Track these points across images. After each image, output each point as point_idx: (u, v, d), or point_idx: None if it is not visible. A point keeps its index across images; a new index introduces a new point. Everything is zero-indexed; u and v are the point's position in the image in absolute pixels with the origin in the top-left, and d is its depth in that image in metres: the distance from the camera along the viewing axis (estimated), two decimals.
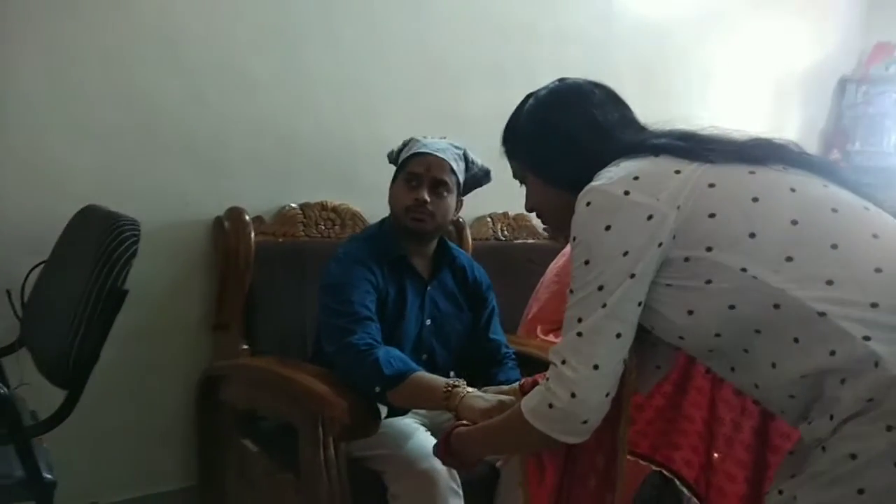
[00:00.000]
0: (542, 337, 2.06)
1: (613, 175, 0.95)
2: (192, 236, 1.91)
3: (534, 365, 1.83)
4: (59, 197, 1.65)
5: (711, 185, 0.92)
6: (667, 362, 1.20)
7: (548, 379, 0.97)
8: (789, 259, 0.87)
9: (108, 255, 1.22)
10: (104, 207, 1.43)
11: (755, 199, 0.91)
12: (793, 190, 0.92)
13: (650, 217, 0.91)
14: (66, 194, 1.63)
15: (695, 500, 1.25)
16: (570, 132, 1.05)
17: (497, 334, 1.79)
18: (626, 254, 0.91)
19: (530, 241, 2.56)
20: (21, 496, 1.19)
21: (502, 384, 1.64)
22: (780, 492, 0.91)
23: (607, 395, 0.94)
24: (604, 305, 0.92)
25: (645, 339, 1.08)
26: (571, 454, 1.17)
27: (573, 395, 0.92)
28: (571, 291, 0.97)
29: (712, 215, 0.91)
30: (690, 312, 0.92)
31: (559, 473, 1.17)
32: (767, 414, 1.13)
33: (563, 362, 0.94)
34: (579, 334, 0.94)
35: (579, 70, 2.60)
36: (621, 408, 1.12)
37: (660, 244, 0.91)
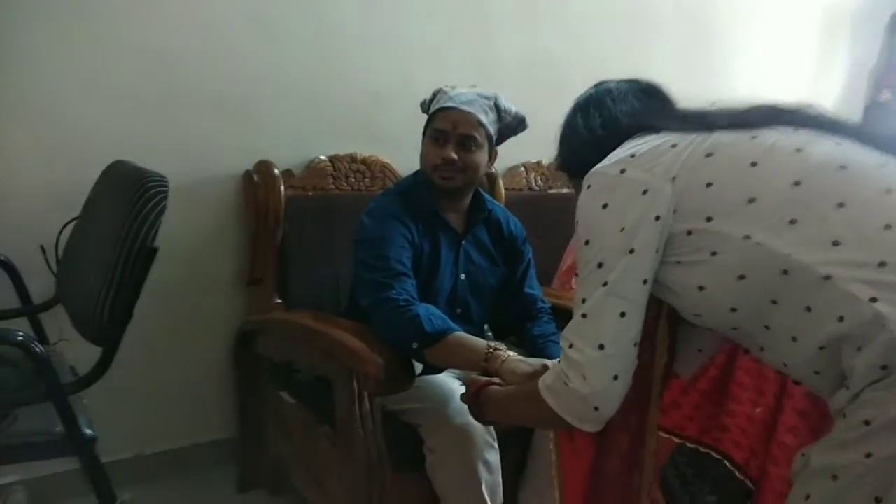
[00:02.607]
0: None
1: (613, 157, 0.96)
2: (223, 191, 1.89)
3: (570, 319, 1.80)
4: (88, 154, 1.64)
5: (709, 155, 0.90)
6: (709, 345, 1.16)
7: (559, 362, 0.95)
8: (793, 222, 0.83)
9: (136, 212, 1.20)
10: (131, 163, 1.41)
11: (754, 164, 0.87)
12: (798, 150, 0.87)
13: (645, 191, 0.89)
14: (94, 151, 1.61)
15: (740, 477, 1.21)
16: (588, 130, 1.07)
17: (532, 288, 1.76)
18: (622, 229, 0.90)
19: (565, 190, 2.49)
20: (64, 451, 1.21)
21: (537, 339, 1.63)
22: (802, 454, 0.89)
23: (616, 377, 0.91)
24: (604, 284, 0.90)
25: (685, 321, 1.06)
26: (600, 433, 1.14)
27: (584, 378, 0.90)
28: (577, 275, 0.96)
29: (709, 184, 0.88)
30: (701, 288, 0.89)
31: (592, 454, 1.16)
32: (811, 394, 1.08)
33: (571, 346, 0.93)
34: (583, 316, 0.92)
35: (620, 10, 2.49)
36: (650, 389, 1.09)
37: (657, 217, 0.89)
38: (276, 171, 1.86)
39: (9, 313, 1.57)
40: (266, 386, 1.86)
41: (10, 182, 1.65)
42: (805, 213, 0.82)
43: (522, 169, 2.41)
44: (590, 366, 0.90)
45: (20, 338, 1.13)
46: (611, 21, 2.51)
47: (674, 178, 0.89)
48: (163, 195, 1.23)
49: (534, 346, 1.63)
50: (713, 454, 1.25)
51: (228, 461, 1.97)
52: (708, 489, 1.28)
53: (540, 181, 2.45)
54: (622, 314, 0.90)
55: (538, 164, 2.45)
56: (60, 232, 1.55)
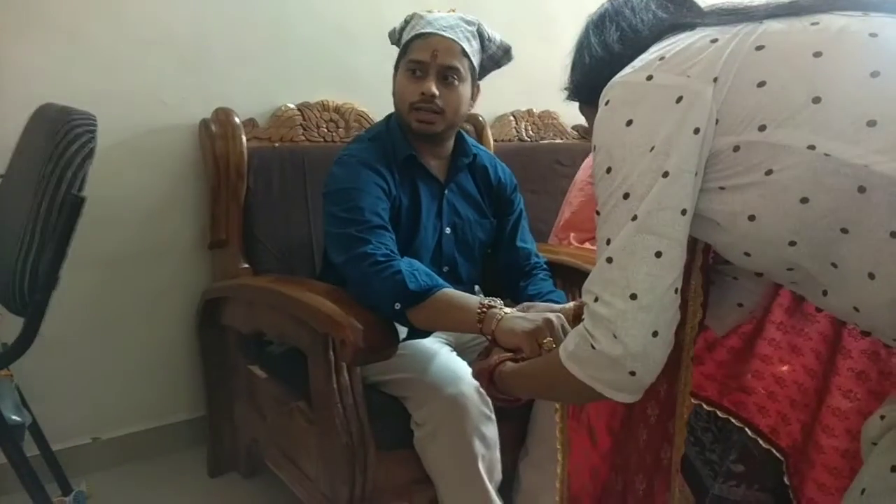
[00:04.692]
0: (577, 244, 1.85)
1: (638, 62, 0.78)
2: (176, 143, 1.70)
3: (568, 275, 1.64)
4: (15, 102, 1.43)
5: (760, 48, 0.71)
6: (750, 299, 0.99)
7: (582, 322, 0.77)
8: (871, 123, 0.64)
9: (57, 156, 1.01)
10: (59, 105, 1.20)
11: (818, 54, 0.68)
12: (873, 35, 0.68)
13: (679, 99, 0.71)
14: (22, 98, 1.39)
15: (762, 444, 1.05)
16: (604, 47, 0.88)
17: (525, 242, 1.58)
18: (652, 149, 0.72)
19: (557, 140, 2.31)
20: None
21: (533, 298, 1.46)
22: (882, 417, 0.74)
23: (655, 333, 0.73)
24: (633, 218, 0.72)
25: (723, 270, 0.90)
26: (621, 405, 0.98)
27: (615, 337, 0.72)
28: (598, 213, 0.77)
29: (762, 84, 0.69)
30: (752, 218, 0.71)
31: (611, 430, 1.01)
32: (873, 353, 0.92)
33: (596, 299, 0.74)
34: (609, 260, 0.74)
35: None
36: (682, 351, 0.93)
37: (696, 130, 0.71)
38: (237, 119, 1.66)
39: None
40: (235, 360, 1.70)
41: None
42: (888, 111, 0.64)
43: (512, 118, 2.23)
44: (621, 321, 0.72)
45: None
46: None
47: (715, 80, 0.71)
48: (90, 135, 1.04)
49: None
50: (733, 420, 1.09)
51: (197, 443, 1.80)
52: (733, 457, 1.13)
53: (531, 131, 2.26)
54: (658, 254, 0.72)
55: (528, 112, 2.27)
56: None
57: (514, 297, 1.54)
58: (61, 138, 1.01)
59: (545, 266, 1.57)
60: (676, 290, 0.74)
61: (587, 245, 1.85)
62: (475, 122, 2.06)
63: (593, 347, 0.74)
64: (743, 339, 1.05)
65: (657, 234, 0.72)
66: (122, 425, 1.77)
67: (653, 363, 0.74)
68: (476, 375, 1.05)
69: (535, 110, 2.28)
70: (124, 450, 1.76)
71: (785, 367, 1.05)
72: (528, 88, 2.19)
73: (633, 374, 0.73)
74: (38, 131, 1.15)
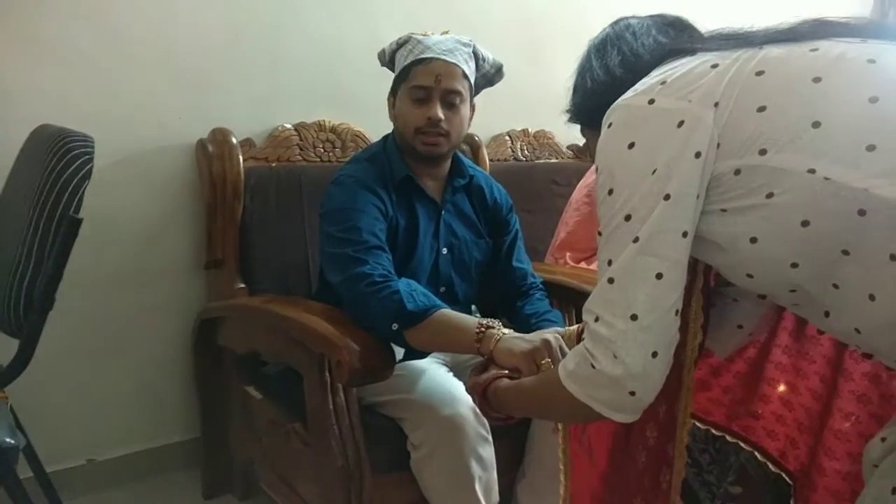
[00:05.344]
0: (573, 264, 1.85)
1: (640, 86, 0.79)
2: (173, 163, 1.70)
3: (564, 294, 1.64)
4: (12, 122, 1.43)
5: (760, 73, 0.72)
6: (751, 321, 0.99)
7: (584, 341, 0.77)
8: (871, 148, 0.65)
9: (55, 178, 1.01)
10: (57, 126, 1.21)
11: (817, 80, 0.69)
12: (871, 61, 0.69)
13: (681, 123, 0.72)
14: (19, 118, 1.40)
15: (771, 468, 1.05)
16: (605, 71, 0.89)
17: (522, 262, 1.58)
18: (654, 172, 0.72)
19: (553, 160, 2.32)
20: None
21: (530, 318, 1.46)
22: (883, 439, 0.73)
23: (654, 354, 0.73)
24: (635, 240, 0.73)
25: (725, 292, 0.90)
26: (622, 426, 0.98)
27: (615, 357, 0.72)
28: (600, 234, 0.78)
29: (762, 108, 0.70)
30: (754, 240, 0.72)
31: (609, 451, 1.00)
32: (874, 375, 0.92)
33: (597, 319, 0.75)
34: (610, 281, 0.74)
35: None
36: (681, 373, 0.92)
37: (697, 154, 0.71)
38: (234, 139, 1.67)
39: None
40: (230, 380, 1.68)
41: None
42: (887, 136, 0.65)
43: (507, 138, 2.24)
44: (621, 341, 0.72)
45: None
46: None
47: (716, 104, 0.71)
48: (87, 156, 1.04)
49: (527, 327, 1.45)
50: (742, 445, 1.09)
51: (192, 465, 1.78)
52: (731, 479, 1.12)
53: (527, 150, 2.27)
54: (658, 276, 0.72)
55: (524, 132, 2.28)
56: None
57: (511, 317, 1.54)
58: (58, 160, 1.01)
59: (541, 286, 1.57)
60: (677, 312, 0.74)
61: (583, 265, 1.85)
62: (471, 141, 2.07)
63: (593, 367, 0.74)
64: (749, 363, 1.05)
65: (658, 255, 0.72)
66: (117, 447, 1.75)
67: (652, 383, 0.74)
68: (470, 390, 1.05)
69: (530, 130, 2.29)
70: (119, 471, 1.74)
71: (782, 387, 1.05)
72: (523, 108, 2.21)
73: (632, 393, 0.73)
74: (35, 152, 1.16)
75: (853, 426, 0.91)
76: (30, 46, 1.51)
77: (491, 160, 2.13)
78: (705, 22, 0.93)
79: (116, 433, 1.75)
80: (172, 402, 1.80)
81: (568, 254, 1.91)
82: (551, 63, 2.18)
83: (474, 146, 2.08)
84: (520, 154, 2.26)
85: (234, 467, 1.73)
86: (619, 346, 0.72)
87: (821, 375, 0.97)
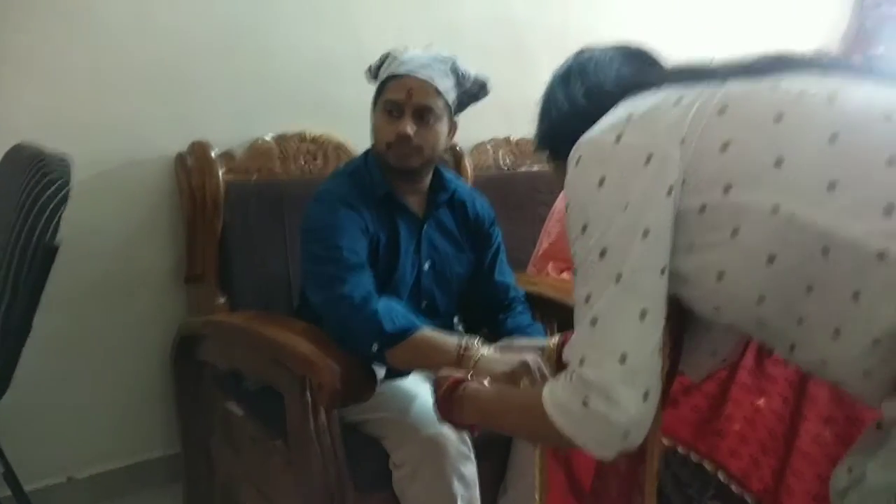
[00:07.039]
0: (555, 275, 1.86)
1: (605, 122, 0.80)
2: (152, 176, 1.68)
3: (546, 307, 1.64)
4: None
5: (722, 110, 0.73)
6: (724, 347, 1.00)
7: (571, 377, 0.76)
8: (832, 186, 0.66)
9: (31, 204, 1.00)
10: (33, 145, 1.19)
11: (779, 117, 0.70)
12: (831, 99, 0.71)
13: (649, 158, 0.74)
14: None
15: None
16: (570, 101, 0.91)
17: (504, 275, 1.59)
18: (626, 207, 0.73)
19: (535, 168, 2.32)
20: None
21: (512, 332, 1.47)
22: (850, 469, 0.74)
23: (646, 396, 0.73)
24: (617, 279, 0.73)
25: (697, 319, 0.90)
26: None
27: (610, 400, 0.72)
28: (575, 271, 0.78)
29: (726, 145, 0.71)
30: (721, 275, 0.73)
31: (587, 474, 1.02)
32: (838, 398, 0.93)
33: (582, 361, 0.75)
34: (593, 322, 0.74)
35: None
36: None
37: (669, 190, 0.72)
38: (213, 153, 1.65)
39: None
40: (211, 395, 1.67)
41: None
42: (847, 174, 0.66)
43: (489, 146, 2.24)
44: (614, 385, 0.72)
45: None
46: None
47: (682, 141, 0.72)
48: (63, 181, 1.02)
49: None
50: (705, 464, 1.10)
51: (173, 481, 1.77)
52: (710, 493, 1.14)
53: (508, 159, 2.27)
54: (642, 314, 0.73)
55: (506, 140, 2.28)
56: None
57: (493, 330, 1.55)
58: (34, 185, 1.00)
59: (523, 299, 1.58)
60: (660, 349, 0.75)
61: (565, 275, 1.86)
62: (453, 151, 2.07)
63: (585, 405, 0.73)
64: (718, 383, 1.07)
65: (640, 294, 0.73)
66: (97, 463, 1.74)
67: (645, 425, 0.75)
68: (438, 380, 1.01)
69: (512, 138, 2.29)
70: (99, 488, 1.73)
71: (762, 400, 1.06)
72: (506, 116, 2.21)
73: (625, 435, 0.73)
74: (11, 175, 1.14)
75: (821, 448, 0.93)
76: (10, 59, 1.49)
77: (473, 169, 2.13)
78: (670, 46, 0.94)
79: (96, 450, 1.73)
80: (152, 418, 1.79)
81: (550, 264, 1.92)
82: (534, 71, 2.16)
83: (457, 156, 2.08)
84: (502, 162, 2.26)
85: (214, 483, 1.71)
86: (612, 390, 0.72)
87: (784, 397, 0.99)
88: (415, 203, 1.47)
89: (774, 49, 0.80)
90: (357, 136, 1.83)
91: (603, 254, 0.74)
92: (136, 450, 1.79)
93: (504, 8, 2.22)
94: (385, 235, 1.41)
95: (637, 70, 0.89)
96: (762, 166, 0.69)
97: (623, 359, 0.72)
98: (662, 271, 0.73)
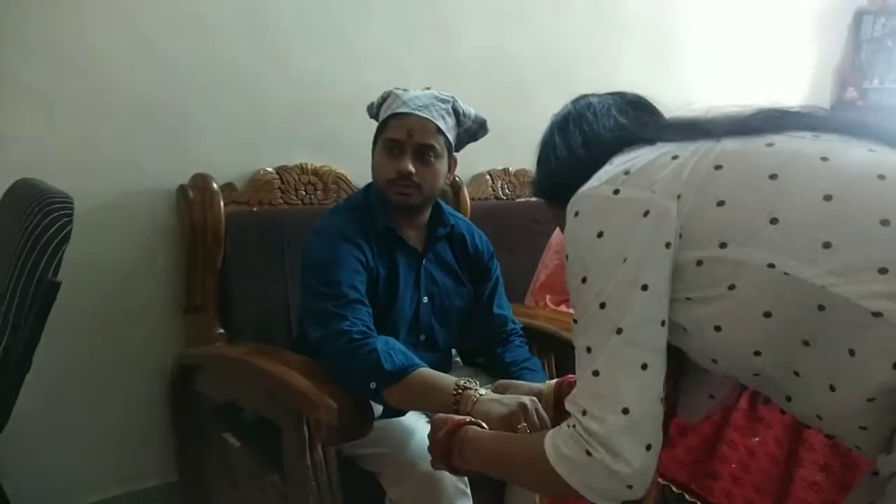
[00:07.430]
0: (553, 307, 1.87)
1: (603, 175, 0.81)
2: (153, 208, 1.68)
3: (544, 340, 1.65)
4: None
5: (718, 167, 0.75)
6: (721, 390, 1.01)
7: (574, 427, 0.76)
8: (826, 245, 0.68)
9: (33, 242, 1.01)
10: (36, 182, 1.21)
11: (773, 176, 0.72)
12: (824, 159, 0.72)
13: (646, 213, 0.75)
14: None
15: None
16: (568, 150, 0.92)
17: (502, 308, 1.60)
18: (625, 260, 0.74)
19: (534, 199, 2.32)
20: None
21: (509, 366, 1.47)
22: None
23: (649, 447, 0.74)
24: (619, 331, 0.74)
25: (695, 363, 0.90)
26: None
27: (614, 453, 0.72)
28: (575, 321, 0.79)
29: (721, 203, 0.73)
30: (718, 328, 0.74)
31: None
32: (835, 445, 0.94)
33: (585, 413, 0.75)
34: (595, 373, 0.75)
35: (584, 8, 2.33)
36: None
37: (667, 244, 0.73)
38: (215, 185, 1.66)
39: None
40: (208, 426, 1.67)
41: None
42: (842, 234, 0.67)
43: (488, 177, 2.26)
44: (618, 437, 0.72)
45: None
46: (575, 19, 2.38)
47: (679, 196, 0.74)
48: (66, 219, 1.03)
49: (507, 375, 1.45)
50: None
51: None
52: None
53: (507, 190, 2.29)
54: (644, 366, 0.73)
55: (504, 171, 2.30)
56: None
57: (491, 363, 1.56)
58: (37, 224, 1.01)
59: (521, 332, 1.59)
60: (661, 400, 0.76)
61: (563, 308, 1.87)
62: (452, 183, 2.09)
63: (590, 456, 0.74)
64: (713, 425, 1.07)
65: (642, 346, 0.73)
66: (94, 492, 1.72)
67: (648, 476, 0.74)
68: (435, 422, 1.00)
69: (511, 169, 2.31)
70: None
71: (757, 438, 1.07)
72: (504, 147, 2.23)
73: (630, 487, 0.74)
74: (13, 212, 1.15)
75: (818, 495, 0.93)
76: (10, 94, 1.50)
77: (472, 199, 2.15)
78: (667, 84, 0.96)
79: (93, 478, 1.72)
80: (149, 447, 1.78)
81: (548, 296, 1.93)
82: (531, 102, 2.21)
83: (455, 187, 2.09)
84: (500, 193, 2.28)
85: None
86: (616, 443, 0.72)
87: (778, 439, 0.99)
88: (414, 237, 1.49)
89: (770, 104, 0.82)
90: (357, 168, 1.85)
91: (603, 306, 0.74)
92: (133, 478, 1.77)
93: (502, 43, 2.25)
94: (384, 269, 1.42)
95: (634, 119, 0.90)
96: (758, 224, 0.70)
97: (625, 411, 0.72)
98: (662, 323, 0.74)
